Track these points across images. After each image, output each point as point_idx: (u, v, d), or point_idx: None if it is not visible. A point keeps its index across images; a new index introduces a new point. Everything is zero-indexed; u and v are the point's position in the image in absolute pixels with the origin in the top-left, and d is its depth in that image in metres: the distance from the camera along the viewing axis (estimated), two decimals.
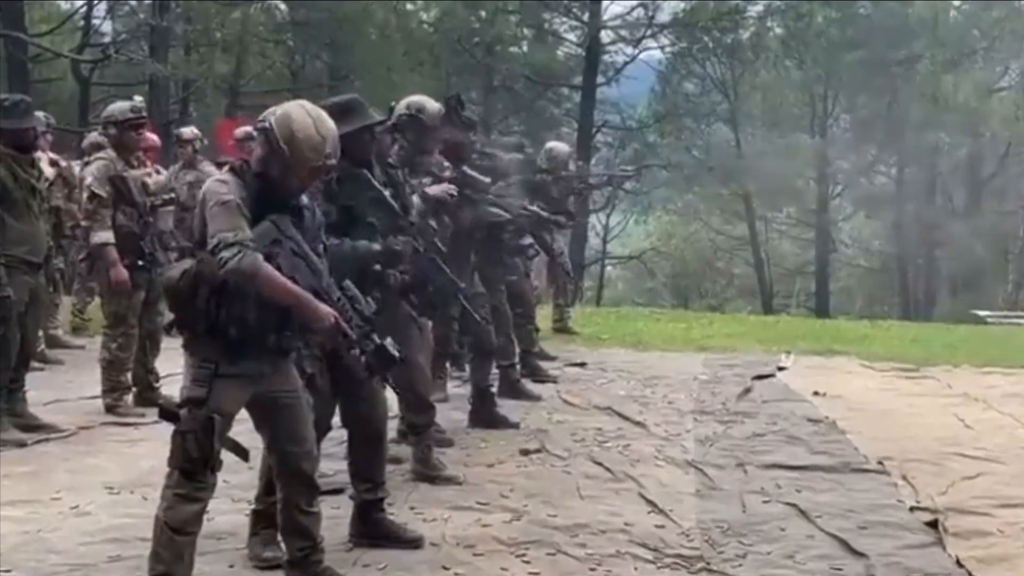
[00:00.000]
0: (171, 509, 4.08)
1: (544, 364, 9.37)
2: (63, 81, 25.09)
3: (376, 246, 5.12)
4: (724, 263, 37.92)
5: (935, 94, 29.80)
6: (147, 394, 7.75)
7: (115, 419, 7.45)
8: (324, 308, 4.04)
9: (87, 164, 7.95)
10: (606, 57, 30.87)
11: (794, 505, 5.77)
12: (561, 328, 11.45)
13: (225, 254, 3.87)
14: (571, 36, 31.65)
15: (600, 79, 30.39)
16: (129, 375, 7.70)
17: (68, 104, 24.02)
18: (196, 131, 11.54)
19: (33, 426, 7.00)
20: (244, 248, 3.87)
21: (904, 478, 6.30)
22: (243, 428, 4.29)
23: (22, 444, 6.69)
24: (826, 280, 33.78)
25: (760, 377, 9.40)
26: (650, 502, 5.79)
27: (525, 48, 32.15)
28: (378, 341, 4.23)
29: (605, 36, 30.45)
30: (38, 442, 6.79)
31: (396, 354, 4.28)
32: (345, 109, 4.94)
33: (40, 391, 7.66)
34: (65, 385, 8.47)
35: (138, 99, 7.89)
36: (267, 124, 4.09)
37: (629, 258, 36.33)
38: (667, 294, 37.20)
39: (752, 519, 5.57)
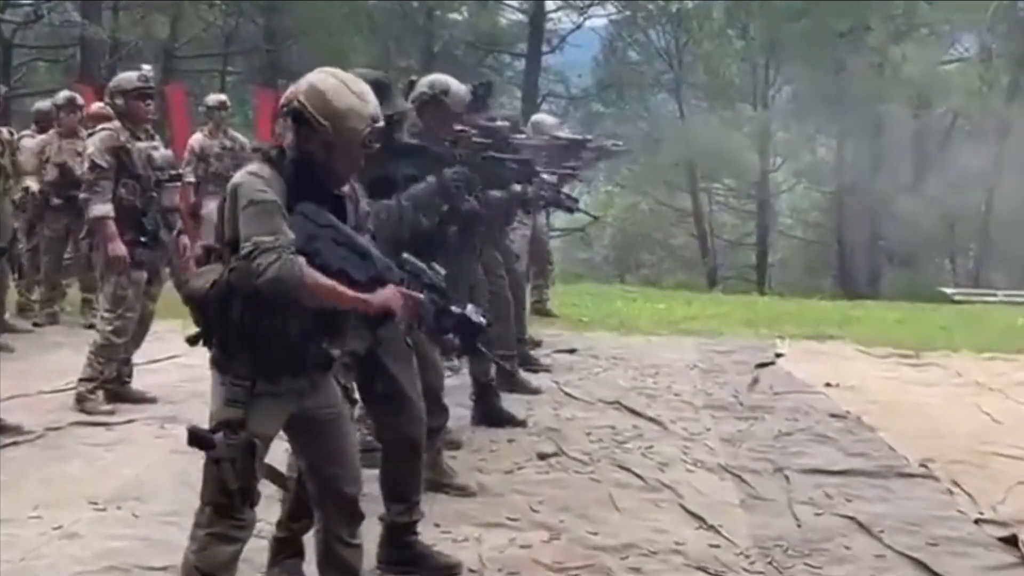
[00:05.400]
0: (204, 551, 3.48)
1: (532, 351, 8.82)
2: None
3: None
4: (662, 234, 37.42)
5: (882, 64, 29.56)
6: (117, 388, 7.11)
7: (84, 418, 6.78)
8: (385, 293, 3.47)
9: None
10: (550, 24, 30.32)
11: (851, 518, 5.30)
12: (540, 310, 10.88)
13: (262, 260, 3.27)
14: (514, 2, 30.99)
15: (544, 47, 29.85)
16: (113, 367, 7.05)
17: None
18: (222, 97, 11.57)
19: None
20: (283, 253, 3.29)
21: (955, 483, 5.89)
22: None
23: None
24: (765, 252, 33.53)
25: (761, 365, 8.94)
26: (695, 516, 5.30)
27: (466, 14, 31.40)
28: (457, 311, 3.72)
29: (550, 3, 29.91)
30: (5, 447, 6.11)
31: (483, 320, 3.78)
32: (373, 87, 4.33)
33: None
34: (20, 376, 7.70)
35: (146, 68, 7.26)
36: (295, 103, 3.49)
37: (575, 230, 35.74)
38: (605, 266, 36.67)
39: (811, 535, 5.10)
